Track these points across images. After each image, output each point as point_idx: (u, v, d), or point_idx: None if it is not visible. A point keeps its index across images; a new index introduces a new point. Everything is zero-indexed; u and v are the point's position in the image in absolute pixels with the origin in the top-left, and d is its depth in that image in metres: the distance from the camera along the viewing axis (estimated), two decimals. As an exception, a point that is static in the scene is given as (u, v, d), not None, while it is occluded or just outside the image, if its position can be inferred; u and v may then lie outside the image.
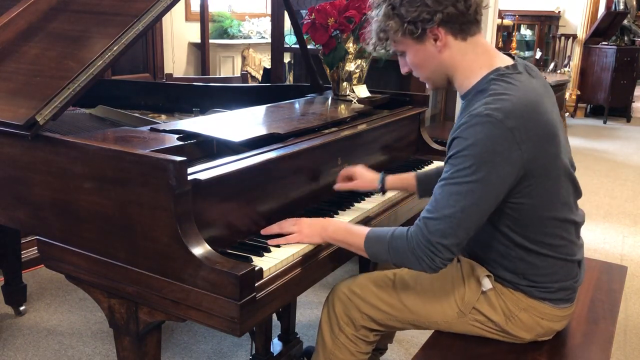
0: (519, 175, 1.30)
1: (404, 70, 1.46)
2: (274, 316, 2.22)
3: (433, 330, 1.58)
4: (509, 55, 1.44)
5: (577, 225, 1.48)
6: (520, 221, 1.38)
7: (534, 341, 1.51)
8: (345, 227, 1.45)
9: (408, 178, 1.80)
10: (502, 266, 1.46)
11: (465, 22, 1.34)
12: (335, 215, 1.61)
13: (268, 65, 5.69)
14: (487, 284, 1.46)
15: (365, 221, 1.64)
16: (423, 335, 2.46)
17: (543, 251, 1.41)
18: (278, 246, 1.38)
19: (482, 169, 1.24)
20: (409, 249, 1.31)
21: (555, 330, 1.52)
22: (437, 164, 2.18)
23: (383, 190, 1.78)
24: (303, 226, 1.42)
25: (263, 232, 1.44)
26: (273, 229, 1.44)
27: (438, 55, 1.37)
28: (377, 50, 1.43)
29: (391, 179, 1.78)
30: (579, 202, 1.52)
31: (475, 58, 1.38)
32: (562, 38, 7.77)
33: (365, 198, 1.76)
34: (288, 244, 1.39)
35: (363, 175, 1.74)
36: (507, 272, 1.45)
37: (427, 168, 2.13)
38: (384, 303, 1.54)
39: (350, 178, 1.74)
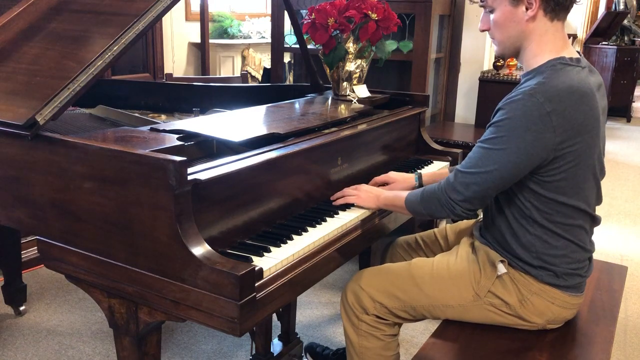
0: (548, 157, 1.39)
1: (482, 26, 1.53)
2: (274, 316, 2.22)
3: (437, 327, 1.58)
4: (577, 52, 1.50)
5: (594, 221, 1.54)
6: (543, 199, 1.45)
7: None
8: (391, 194, 1.67)
9: (441, 173, 1.88)
10: (518, 243, 1.51)
11: (559, 4, 1.42)
12: (335, 216, 1.60)
13: (268, 65, 5.69)
14: (501, 268, 1.52)
15: (365, 221, 1.64)
16: (423, 336, 2.46)
17: (559, 231, 1.47)
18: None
19: (512, 141, 1.37)
20: (436, 197, 1.50)
21: (565, 317, 1.56)
22: (438, 164, 2.18)
23: (421, 186, 1.83)
24: (361, 192, 1.67)
25: (334, 196, 1.68)
26: (337, 195, 1.68)
27: (523, 23, 1.44)
28: (473, 1, 1.55)
29: (426, 176, 1.87)
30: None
31: (551, 40, 1.45)
32: (562, 38, 7.76)
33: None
34: (346, 202, 1.66)
35: (396, 178, 1.83)
36: (523, 249, 1.50)
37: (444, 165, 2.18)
38: (399, 289, 1.59)
39: (383, 185, 1.82)
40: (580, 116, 1.38)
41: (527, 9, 1.42)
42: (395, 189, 1.80)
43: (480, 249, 1.60)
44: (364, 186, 1.70)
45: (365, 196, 1.66)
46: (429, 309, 1.59)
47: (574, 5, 1.47)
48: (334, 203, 1.67)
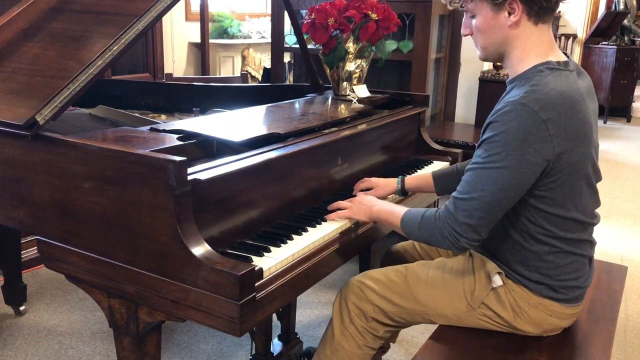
0: (547, 168, 1.33)
1: (464, 31, 1.48)
2: (274, 316, 2.22)
3: (435, 329, 1.58)
4: (564, 54, 1.46)
5: (594, 225, 1.51)
6: (540, 213, 1.40)
7: (536, 341, 1.51)
8: (387, 208, 1.56)
9: (425, 177, 1.83)
10: (515, 259, 1.47)
11: (544, 7, 1.36)
12: (335, 215, 1.60)
13: (268, 65, 5.69)
14: (497, 280, 1.48)
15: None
16: (423, 336, 2.46)
17: (557, 245, 1.43)
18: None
19: (511, 156, 1.29)
20: (436, 228, 1.39)
21: (562, 327, 1.54)
22: (439, 164, 2.18)
23: (404, 192, 1.83)
24: (355, 204, 1.59)
25: (329, 207, 1.60)
26: (333, 206, 1.60)
27: (506, 29, 1.38)
28: (452, 4, 1.47)
29: (409, 180, 1.83)
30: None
31: (536, 45, 1.39)
32: (562, 38, 7.77)
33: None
34: (339, 218, 1.57)
35: (378, 183, 1.79)
36: (520, 265, 1.47)
37: (442, 167, 2.13)
38: (396, 295, 1.57)
39: (366, 190, 1.78)
40: (575, 124, 1.33)
41: (509, 14, 1.36)
42: (378, 194, 1.74)
43: (477, 256, 1.56)
44: (357, 197, 1.63)
45: (357, 209, 1.58)
46: (423, 316, 1.57)
47: (560, 3, 1.41)
48: (325, 216, 1.57)
